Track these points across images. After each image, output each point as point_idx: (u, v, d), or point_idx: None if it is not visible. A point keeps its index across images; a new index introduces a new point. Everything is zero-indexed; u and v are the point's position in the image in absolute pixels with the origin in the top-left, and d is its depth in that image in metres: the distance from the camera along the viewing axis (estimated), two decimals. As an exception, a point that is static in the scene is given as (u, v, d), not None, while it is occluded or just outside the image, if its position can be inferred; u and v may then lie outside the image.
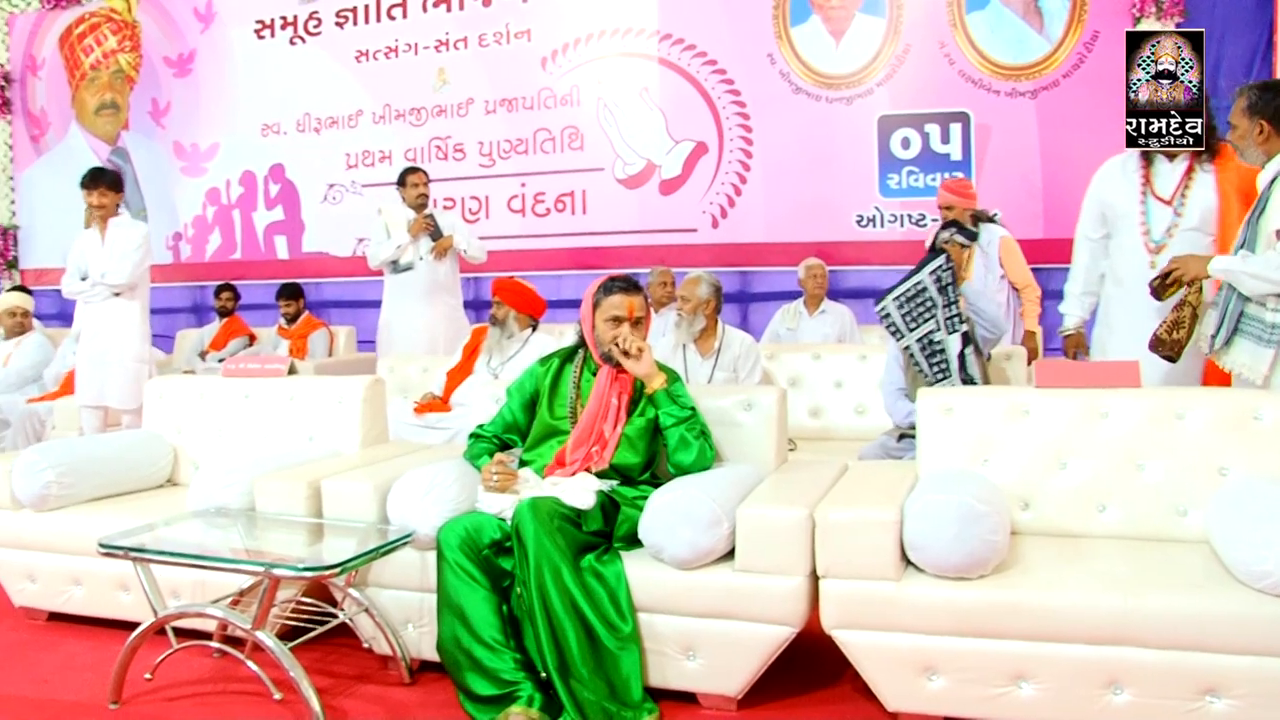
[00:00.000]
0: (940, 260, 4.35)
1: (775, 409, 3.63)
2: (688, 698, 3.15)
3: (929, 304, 4.35)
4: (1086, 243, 4.44)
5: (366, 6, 8.81)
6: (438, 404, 5.30)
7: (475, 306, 7.97)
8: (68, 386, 6.55)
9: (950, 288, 4.32)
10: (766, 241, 7.58)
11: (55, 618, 4.13)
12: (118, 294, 5.76)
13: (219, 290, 8.37)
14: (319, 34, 9.00)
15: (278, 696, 3.23)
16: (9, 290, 7.73)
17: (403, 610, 3.42)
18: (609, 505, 3.27)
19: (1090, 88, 6.75)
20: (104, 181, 5.77)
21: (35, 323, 7.39)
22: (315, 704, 3.02)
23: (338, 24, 8.92)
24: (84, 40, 10.05)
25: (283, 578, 3.03)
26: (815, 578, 3.00)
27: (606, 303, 3.48)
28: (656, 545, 3.08)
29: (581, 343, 3.61)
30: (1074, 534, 3.23)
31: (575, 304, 7.42)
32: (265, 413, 4.34)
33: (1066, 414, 3.30)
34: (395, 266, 6.56)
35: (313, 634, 3.37)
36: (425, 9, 8.59)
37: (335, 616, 3.46)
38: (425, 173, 6.66)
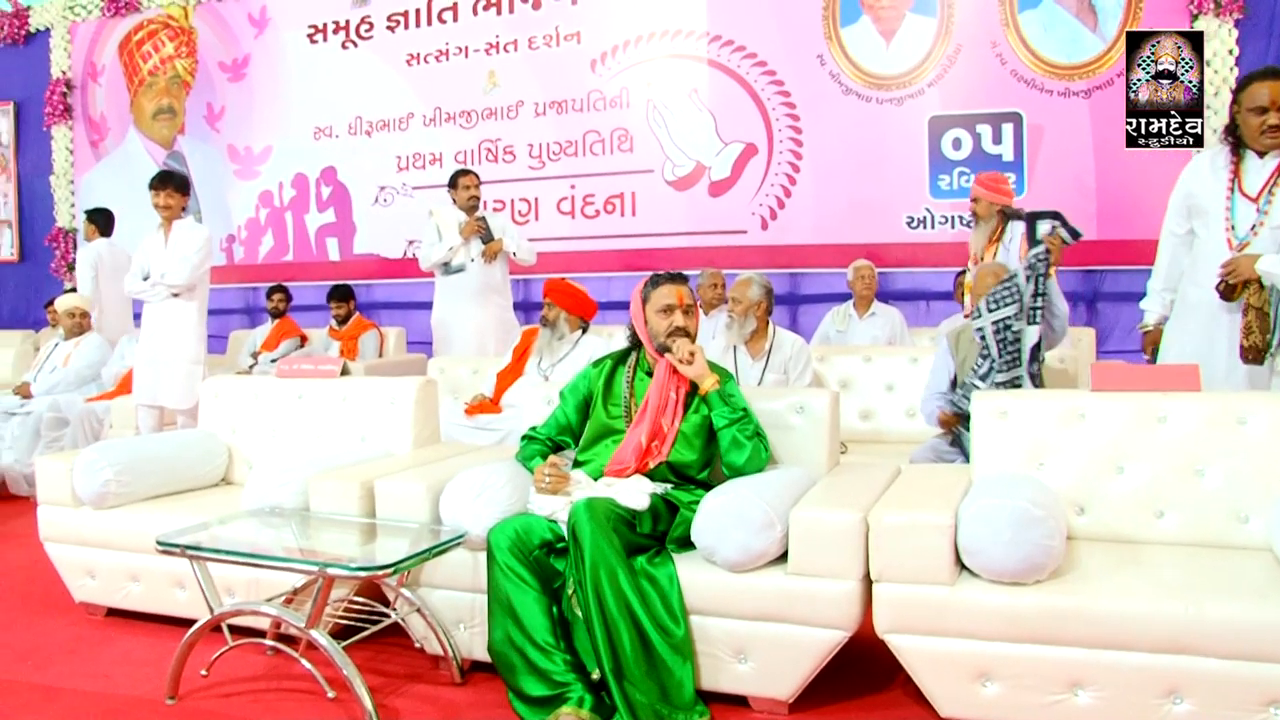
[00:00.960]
0: (1039, 250, 4.31)
1: (828, 412, 3.61)
2: (739, 701, 3.14)
3: (1015, 291, 4.33)
4: (1171, 238, 4.36)
5: (418, 10, 8.88)
6: (488, 405, 5.32)
7: (525, 308, 8.00)
8: (125, 386, 6.67)
9: (1041, 279, 4.28)
10: (816, 243, 7.55)
11: (113, 613, 4.20)
12: (176, 295, 5.85)
13: (271, 292, 8.46)
14: (370, 38, 9.08)
15: (331, 695, 3.26)
16: (68, 292, 7.86)
17: (454, 610, 3.44)
18: (662, 507, 3.27)
19: (1146, 87, 6.65)
20: (171, 183, 5.89)
21: (93, 323, 7.51)
22: (368, 703, 3.05)
23: (389, 28, 8.99)
24: (142, 47, 10.21)
25: (337, 577, 3.05)
26: (868, 581, 2.98)
27: (655, 295, 3.49)
28: (709, 547, 3.07)
29: (634, 345, 3.61)
30: (1131, 540, 3.18)
31: (624, 306, 7.40)
32: (318, 413, 4.39)
33: (1123, 418, 3.25)
34: (447, 268, 6.60)
35: (365, 634, 3.39)
36: (475, 12, 8.64)
37: (387, 616, 3.49)
38: (477, 175, 6.71)
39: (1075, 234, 4.45)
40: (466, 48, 8.69)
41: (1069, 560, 2.95)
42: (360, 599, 3.58)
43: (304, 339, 8.18)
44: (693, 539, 3.14)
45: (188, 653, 3.35)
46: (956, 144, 7.13)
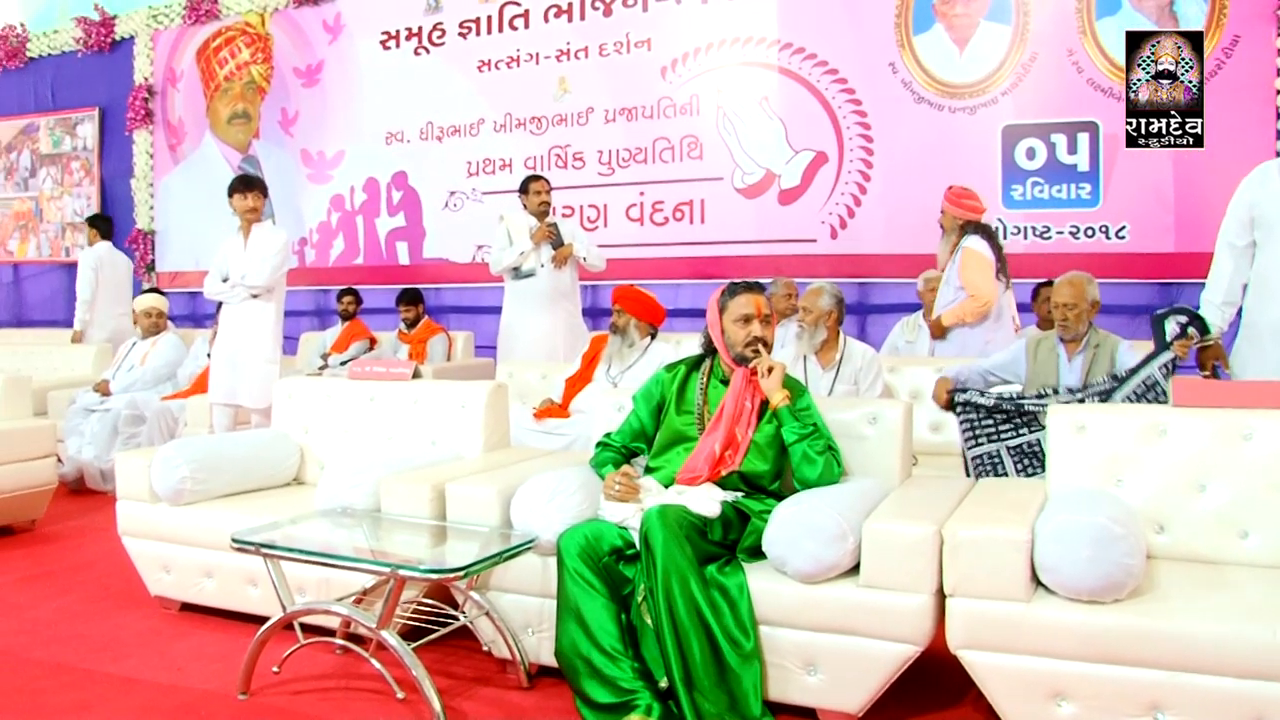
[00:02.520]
0: (1166, 359, 4.17)
1: (901, 423, 3.57)
2: (807, 713, 3.11)
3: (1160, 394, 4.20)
4: (1230, 250, 4.26)
5: (489, 17, 8.93)
6: (557, 410, 5.34)
7: (592, 314, 8.01)
8: (199, 385, 6.79)
9: (1159, 388, 4.17)
10: (886, 253, 7.46)
11: (187, 608, 4.28)
12: (255, 296, 5.96)
13: (341, 294, 8.56)
14: (442, 44, 9.16)
15: (400, 696, 3.29)
16: (146, 292, 8.03)
17: (523, 615, 3.45)
18: (733, 515, 3.25)
19: (1229, 94, 6.50)
20: (258, 187, 6.08)
21: (169, 323, 7.67)
22: (437, 704, 3.07)
23: (460, 34, 9.06)
24: (219, 53, 10.40)
25: (408, 579, 3.08)
26: (941, 596, 2.94)
27: (733, 304, 3.48)
28: (780, 558, 3.05)
29: (709, 351, 3.60)
30: (1213, 560, 3.11)
31: (693, 313, 7.49)
32: (389, 415, 4.44)
33: (1206, 434, 3.18)
34: (517, 273, 6.64)
35: (434, 636, 3.41)
36: (546, 19, 8.68)
37: (456, 619, 3.51)
38: (547, 181, 6.74)
39: (1205, 330, 4.24)
40: (537, 54, 8.73)
41: (1148, 580, 2.88)
42: (429, 601, 3.60)
43: (373, 341, 8.26)
44: (764, 549, 3.12)
45: (260, 649, 3.40)
46: (1030, 153, 7.02)
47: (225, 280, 6.03)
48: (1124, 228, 6.76)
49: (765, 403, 3.43)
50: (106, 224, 9.14)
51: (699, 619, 2.95)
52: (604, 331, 5.67)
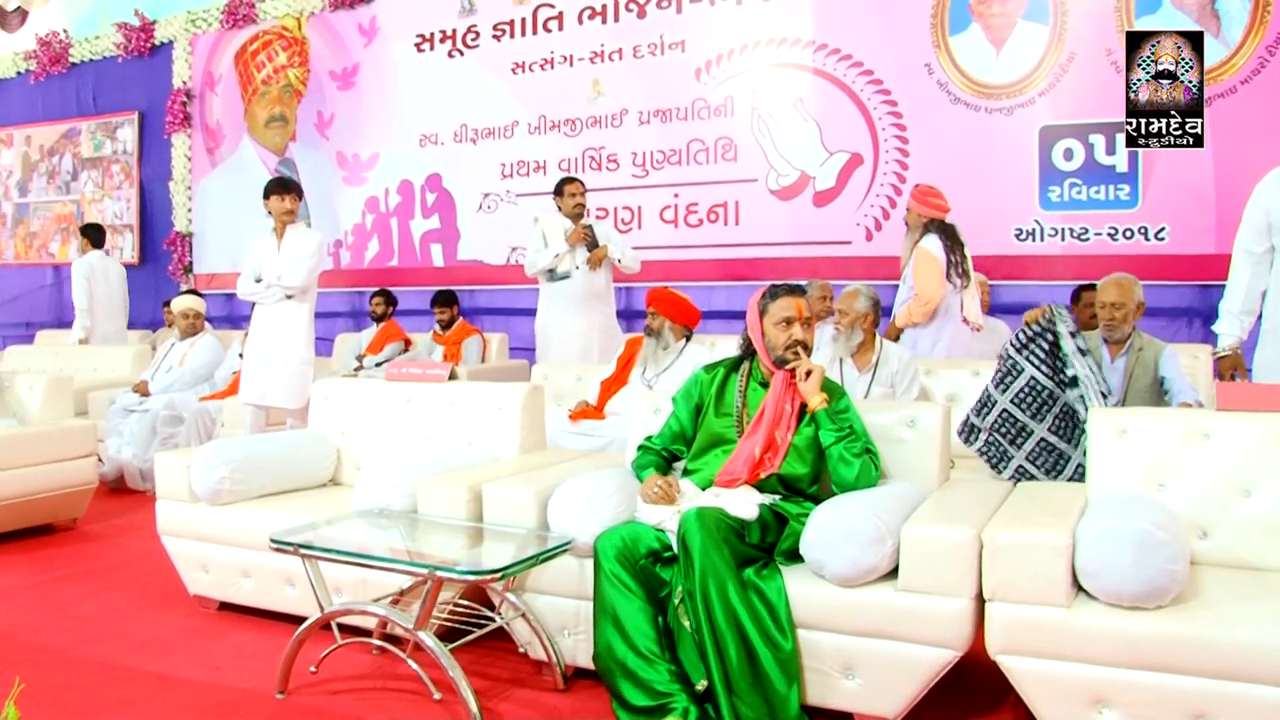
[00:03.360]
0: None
1: (939, 426, 3.55)
2: (844, 718, 3.09)
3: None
4: (1248, 257, 4.21)
5: (523, 19, 8.95)
6: (592, 412, 5.34)
7: (626, 316, 8.00)
8: (237, 386, 6.83)
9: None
10: (921, 254, 7.42)
11: (225, 607, 4.30)
12: (289, 297, 5.99)
13: (374, 296, 8.61)
14: (477, 47, 9.19)
15: (437, 697, 3.29)
16: (183, 293, 8.10)
17: (559, 617, 3.45)
18: (771, 518, 3.24)
19: (1272, 94, 6.41)
20: (296, 189, 6.14)
21: (206, 325, 7.74)
22: (474, 706, 3.07)
23: (495, 37, 9.09)
24: (257, 57, 10.49)
25: (445, 580, 3.08)
26: (981, 600, 2.90)
27: (774, 307, 3.47)
28: (818, 561, 3.03)
29: (747, 354, 3.59)
30: (1258, 567, 3.05)
31: (727, 315, 7.48)
32: (426, 417, 4.45)
33: (1251, 439, 3.13)
34: (552, 275, 6.65)
35: (470, 637, 3.41)
36: (581, 21, 8.68)
37: (492, 620, 3.51)
38: (582, 183, 6.75)
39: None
40: (571, 56, 8.74)
41: (1192, 586, 2.84)
42: (465, 602, 3.61)
43: (408, 343, 8.30)
44: (802, 552, 3.10)
45: (298, 649, 3.41)
46: (1068, 154, 6.95)
47: (259, 281, 6.06)
48: (1163, 229, 6.67)
49: (804, 405, 3.41)
50: (97, 233, 9.36)
51: (735, 622, 2.93)
52: (639, 333, 5.67)
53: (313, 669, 3.50)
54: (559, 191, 6.71)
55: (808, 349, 3.46)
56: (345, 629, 3.53)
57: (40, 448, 5.53)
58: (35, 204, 12.11)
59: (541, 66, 8.87)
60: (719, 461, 3.44)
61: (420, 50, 9.46)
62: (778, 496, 3.34)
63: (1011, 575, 2.81)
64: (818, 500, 3.29)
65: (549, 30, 8.83)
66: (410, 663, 3.31)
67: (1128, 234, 6.76)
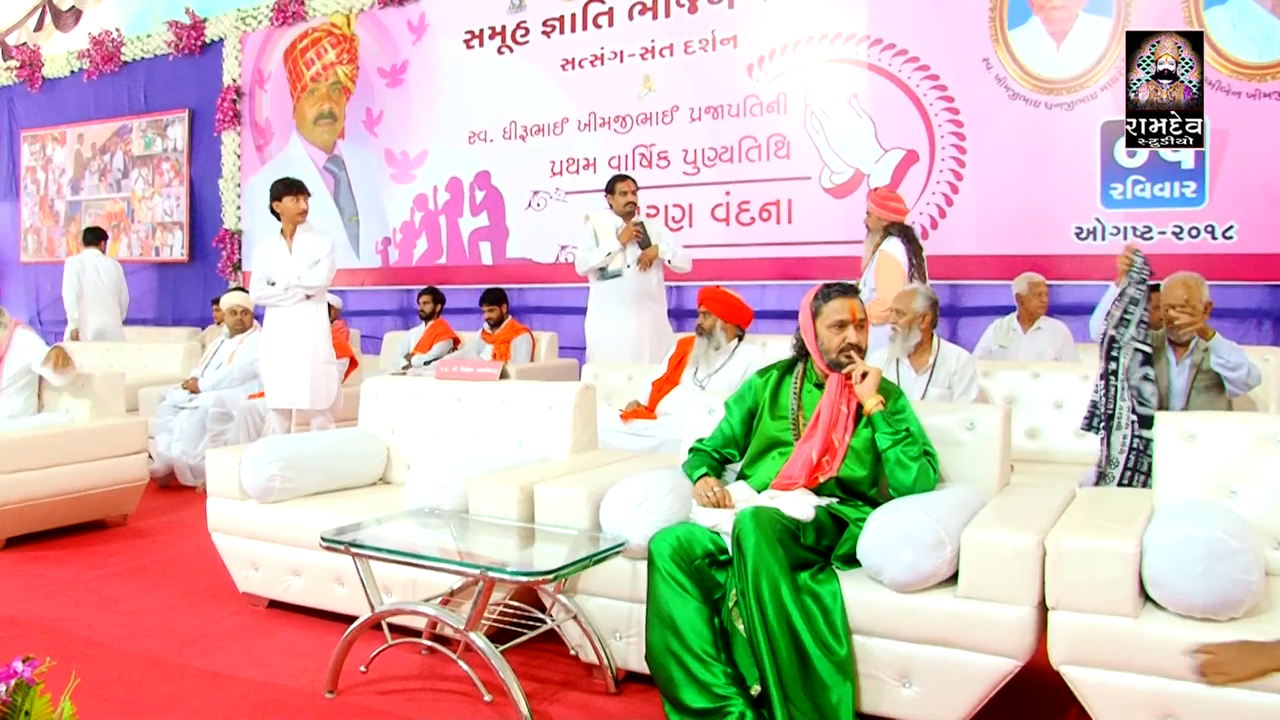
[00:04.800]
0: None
1: (999, 429, 3.49)
2: (902, 727, 3.05)
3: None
4: None
5: (573, 15, 8.96)
6: (643, 412, 5.33)
7: (677, 315, 7.98)
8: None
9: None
10: (979, 254, 7.34)
11: (274, 605, 4.34)
12: (309, 297, 6.02)
13: (421, 294, 8.65)
14: (526, 43, 9.21)
15: (488, 698, 3.29)
16: (232, 290, 8.19)
17: (610, 619, 3.44)
18: (828, 521, 3.20)
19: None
20: (305, 190, 6.14)
21: (255, 322, 7.82)
22: (524, 708, 3.07)
23: (544, 33, 9.11)
24: (306, 54, 10.59)
25: (497, 580, 3.08)
26: (1043, 609, 2.86)
27: (827, 309, 3.43)
28: (875, 566, 2.99)
29: (800, 355, 3.56)
30: (1336, 578, 2.98)
31: (780, 315, 7.44)
32: (477, 416, 4.46)
33: (1328, 445, 3.05)
34: (603, 274, 6.64)
35: (521, 639, 3.41)
36: (631, 17, 8.68)
37: (543, 622, 3.51)
38: (634, 180, 6.73)
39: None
40: (621, 52, 8.74)
41: (1266, 598, 2.77)
42: (515, 603, 3.61)
43: (457, 342, 8.33)
44: (859, 556, 3.06)
45: (348, 648, 3.43)
46: (1132, 151, 6.83)
47: (271, 284, 6.08)
48: (1231, 227, 6.55)
49: (861, 407, 3.38)
50: (93, 234, 9.71)
51: (788, 623, 2.91)
52: (690, 333, 5.65)
53: (363, 669, 3.52)
54: (610, 189, 6.70)
55: (861, 351, 3.42)
56: (395, 629, 3.55)
57: (92, 444, 5.62)
58: (87, 202, 12.31)
59: (591, 63, 8.88)
60: (775, 465, 3.41)
61: (469, 47, 9.51)
62: (835, 499, 3.31)
63: (1076, 583, 2.76)
64: (876, 504, 3.25)
65: (599, 26, 8.83)
66: (461, 664, 3.31)
67: (1194, 232, 6.64)
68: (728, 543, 3.13)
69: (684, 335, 5.84)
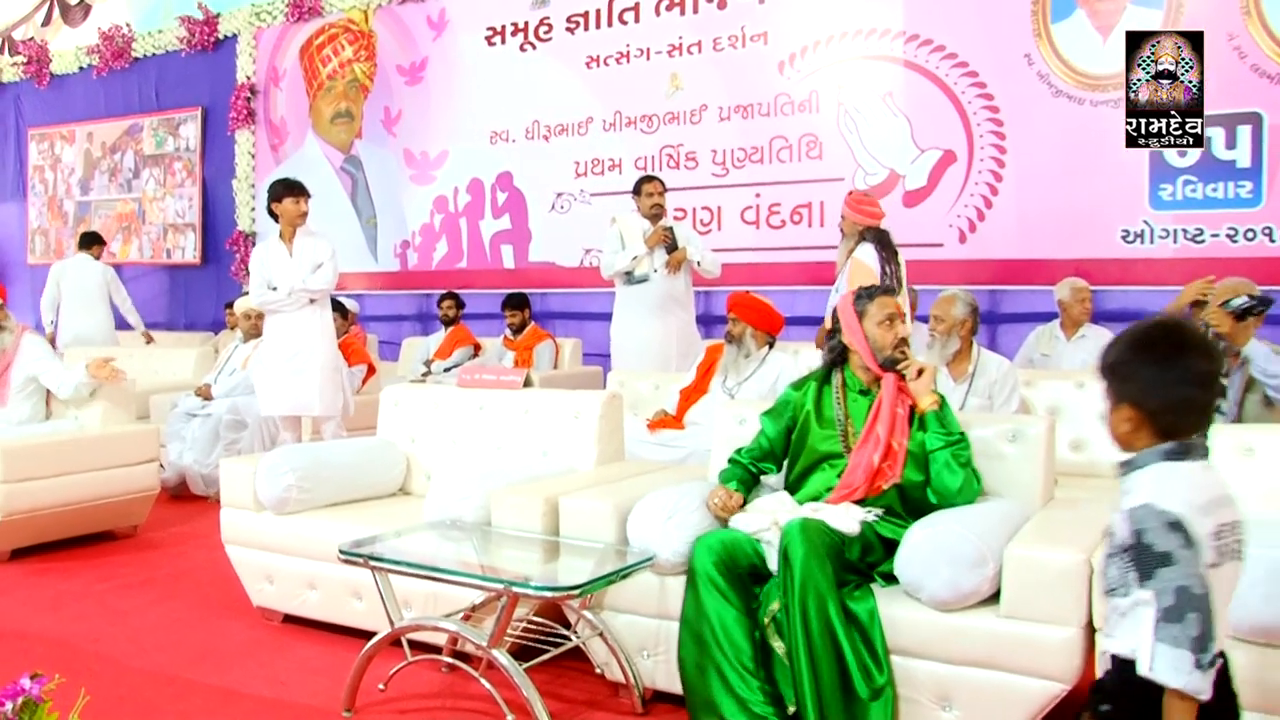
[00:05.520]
0: None
1: (1043, 440, 3.47)
2: (943, 752, 3.03)
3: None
4: None
5: (598, 11, 8.98)
6: (671, 421, 5.33)
7: (706, 322, 7.98)
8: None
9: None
10: (1019, 258, 7.30)
11: (290, 620, 4.35)
12: (312, 301, 6.04)
13: (443, 299, 8.69)
14: (549, 40, 9.24)
15: (510, 718, 3.28)
16: (246, 294, 8.22)
17: (638, 636, 3.43)
18: (874, 538, 3.19)
19: None
20: (306, 190, 6.13)
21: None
22: (549, 728, 3.06)
23: (568, 29, 9.13)
24: (322, 51, 10.65)
25: (521, 596, 3.08)
26: (1092, 629, 2.83)
27: (873, 307, 3.44)
28: (914, 583, 2.98)
29: (835, 363, 3.55)
30: None
31: (812, 321, 7.41)
32: (499, 425, 4.47)
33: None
34: (630, 278, 6.64)
35: (545, 656, 3.41)
36: (658, 13, 8.69)
37: (568, 639, 3.50)
38: (661, 182, 6.72)
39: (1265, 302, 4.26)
40: (648, 49, 8.74)
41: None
42: (539, 619, 3.61)
43: (478, 348, 8.36)
44: (896, 572, 3.05)
45: (366, 665, 3.43)
46: (1182, 150, 6.77)
47: (273, 290, 6.07)
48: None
49: (914, 408, 3.36)
50: (86, 239, 9.79)
51: (833, 644, 2.89)
52: (719, 340, 5.65)
53: (381, 686, 3.52)
54: (637, 191, 6.70)
55: (909, 347, 3.43)
56: (415, 645, 3.55)
57: (102, 453, 5.66)
58: (97, 202, 12.42)
59: (617, 60, 8.90)
60: (825, 477, 3.41)
61: (491, 44, 9.54)
62: (879, 511, 3.28)
63: (1127, 603, 2.73)
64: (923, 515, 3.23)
65: (625, 22, 8.84)
66: (483, 682, 3.31)
67: (1249, 235, 6.57)
68: (769, 553, 3.12)
69: (713, 342, 5.83)
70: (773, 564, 3.13)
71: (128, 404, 6.09)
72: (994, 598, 2.94)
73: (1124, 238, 6.96)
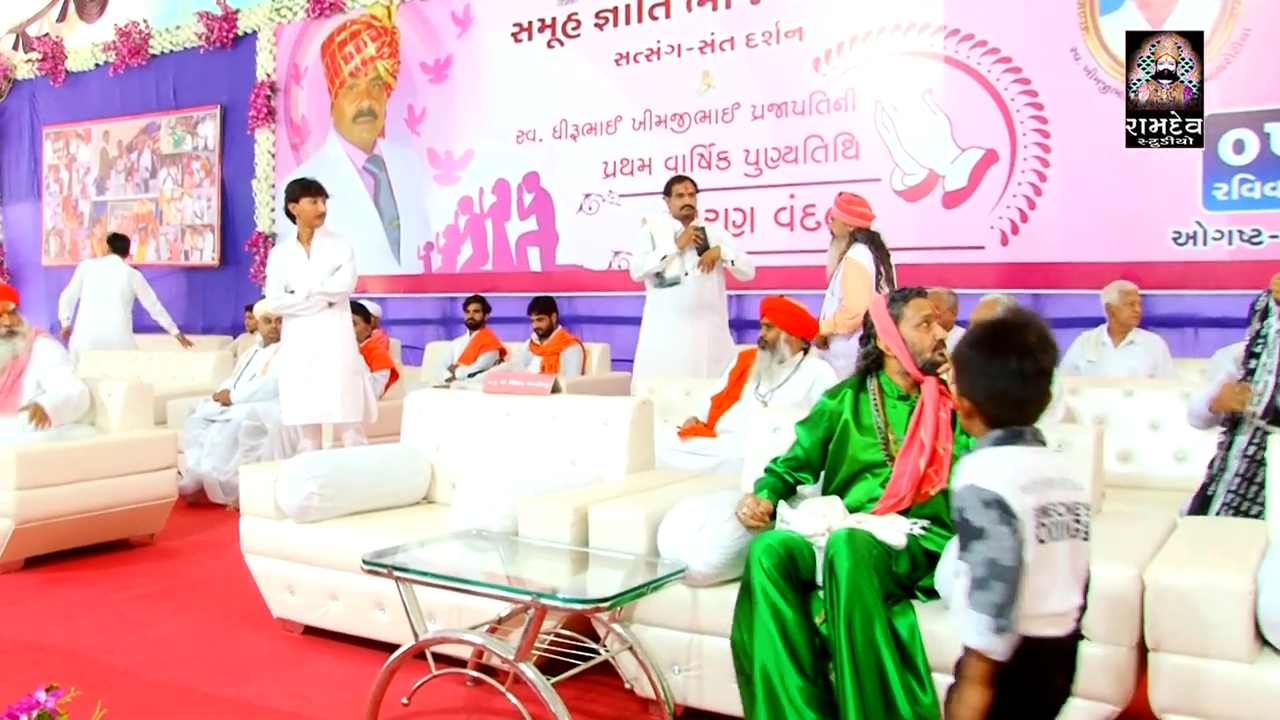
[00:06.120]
0: None
1: (1091, 450, 3.46)
2: (986, 774, 3.01)
3: None
4: None
5: (627, 6, 8.99)
6: (702, 429, 5.33)
7: (739, 326, 7.96)
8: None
9: None
10: (1064, 261, 7.25)
11: (310, 631, 4.37)
12: (331, 304, 6.06)
13: (467, 302, 8.72)
14: (577, 36, 9.26)
15: (538, 734, 3.29)
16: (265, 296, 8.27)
17: (669, 651, 3.43)
18: (920, 553, 3.17)
19: None
20: (324, 190, 6.16)
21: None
22: (578, 745, 3.06)
23: (597, 25, 9.15)
24: (344, 48, 10.72)
25: (550, 608, 3.08)
26: (1143, 649, 2.81)
27: (909, 310, 3.44)
28: (954, 597, 2.95)
29: (870, 369, 3.54)
30: None
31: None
32: (526, 432, 4.48)
33: None
34: (661, 280, 6.64)
35: (574, 671, 3.41)
36: (689, 8, 8.69)
37: (597, 653, 3.50)
38: (693, 182, 6.73)
39: None
40: (679, 46, 8.75)
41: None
42: (567, 632, 3.60)
43: (503, 353, 8.38)
44: (936, 586, 3.04)
45: (389, 678, 3.43)
46: (1238, 146, 6.70)
47: (290, 293, 6.10)
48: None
49: (955, 413, 3.35)
50: (114, 241, 9.99)
51: (876, 660, 2.87)
52: (752, 345, 5.65)
53: (405, 700, 3.52)
54: (668, 191, 6.71)
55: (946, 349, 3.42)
56: (439, 658, 3.55)
57: (118, 458, 5.70)
58: (113, 202, 12.53)
59: (647, 57, 8.91)
60: (868, 487, 3.39)
61: (517, 40, 9.58)
62: (924, 522, 3.27)
63: (1180, 623, 2.71)
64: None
65: (655, 18, 8.85)
66: (509, 696, 3.31)
67: (1312, 237, 6.52)
68: (820, 559, 3.10)
69: (745, 348, 5.83)
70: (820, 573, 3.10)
71: (145, 409, 6.13)
72: (1039, 614, 2.92)
73: (1175, 239, 6.90)
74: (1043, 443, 2.26)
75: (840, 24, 8.04)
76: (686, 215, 6.62)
